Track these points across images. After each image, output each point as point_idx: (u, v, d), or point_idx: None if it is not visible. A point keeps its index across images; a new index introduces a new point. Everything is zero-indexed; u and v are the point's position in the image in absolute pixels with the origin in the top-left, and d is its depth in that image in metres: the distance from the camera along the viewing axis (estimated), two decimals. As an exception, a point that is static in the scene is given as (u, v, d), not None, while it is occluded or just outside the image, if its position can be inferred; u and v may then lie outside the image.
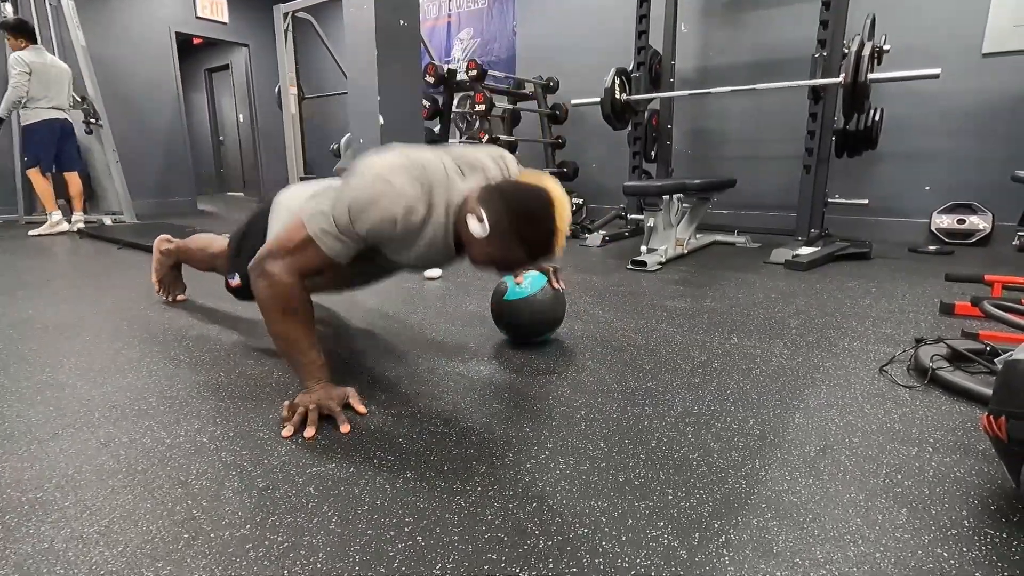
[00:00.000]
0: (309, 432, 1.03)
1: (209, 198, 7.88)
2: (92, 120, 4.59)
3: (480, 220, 1.03)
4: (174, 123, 5.98)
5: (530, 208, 1.02)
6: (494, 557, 0.71)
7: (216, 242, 1.75)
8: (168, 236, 1.98)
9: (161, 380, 1.30)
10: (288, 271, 1.08)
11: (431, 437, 1.03)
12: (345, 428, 1.05)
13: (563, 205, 1.04)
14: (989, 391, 0.98)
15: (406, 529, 0.77)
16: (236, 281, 1.52)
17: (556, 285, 1.56)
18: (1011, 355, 0.82)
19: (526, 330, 1.54)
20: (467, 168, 1.16)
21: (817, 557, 0.71)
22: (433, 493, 0.85)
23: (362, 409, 1.13)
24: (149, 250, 3.08)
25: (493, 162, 1.22)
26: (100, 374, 1.34)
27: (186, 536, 0.75)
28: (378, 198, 1.03)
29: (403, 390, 1.25)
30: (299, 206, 1.19)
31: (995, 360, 1.27)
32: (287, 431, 1.03)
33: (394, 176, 1.04)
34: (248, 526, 0.77)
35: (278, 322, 1.11)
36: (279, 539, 0.75)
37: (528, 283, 1.49)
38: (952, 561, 0.70)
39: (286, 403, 1.09)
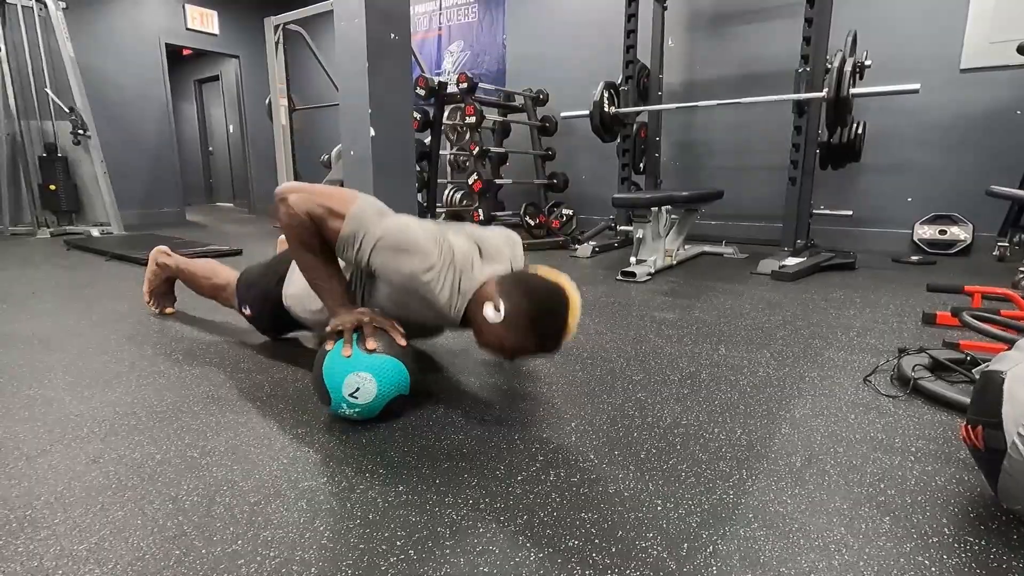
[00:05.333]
0: (347, 351, 1.08)
1: (198, 209, 7.84)
2: (80, 131, 4.57)
3: (497, 309, 1.08)
4: (163, 134, 5.96)
5: (546, 305, 1.08)
6: (485, 569, 0.72)
7: (221, 273, 1.76)
8: (167, 249, 1.96)
9: (151, 394, 1.30)
10: (307, 211, 1.12)
11: (422, 450, 1.04)
12: (402, 341, 1.13)
13: (576, 305, 1.11)
14: (968, 400, 1.01)
15: (398, 543, 0.77)
16: (248, 312, 1.60)
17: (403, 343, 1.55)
18: (988, 366, 0.85)
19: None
20: (487, 255, 1.23)
21: (803, 566, 0.72)
22: (425, 506, 0.86)
23: (401, 342, 1.14)
24: (137, 261, 3.07)
25: (509, 248, 1.30)
26: (88, 388, 1.33)
27: (177, 552, 0.75)
28: (405, 248, 1.09)
29: (393, 403, 1.25)
30: None
31: (973, 370, 1.31)
32: (346, 350, 1.09)
33: (430, 242, 1.11)
34: (240, 542, 0.77)
35: (296, 250, 1.16)
36: (271, 554, 0.75)
37: (372, 389, 1.08)
38: (933, 569, 0.72)
39: (328, 327, 1.13)
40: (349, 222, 1.10)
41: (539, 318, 1.07)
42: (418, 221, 1.17)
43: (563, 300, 1.09)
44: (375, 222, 1.11)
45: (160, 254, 1.94)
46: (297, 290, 1.43)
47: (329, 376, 1.09)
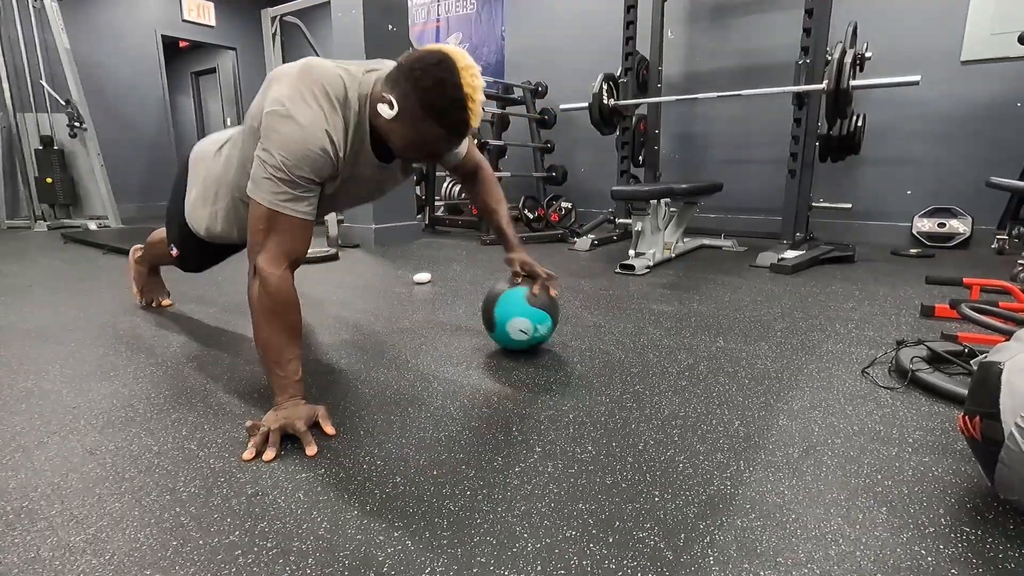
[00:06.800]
0: (268, 455, 0.96)
1: (196, 202, 7.80)
2: (76, 124, 4.55)
3: (390, 105, 1.01)
4: (160, 126, 5.94)
5: (433, 76, 0.97)
6: (483, 560, 0.72)
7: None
8: (139, 245, 2.00)
9: (148, 386, 1.30)
10: (273, 260, 1.04)
11: (420, 442, 1.04)
12: (311, 451, 0.98)
13: (469, 69, 0.98)
14: (966, 392, 1.01)
15: (395, 534, 0.77)
16: (174, 251, 1.59)
17: (553, 293, 1.55)
18: (986, 357, 0.85)
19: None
20: (372, 65, 1.14)
21: (799, 556, 0.72)
22: (422, 498, 0.86)
23: (331, 430, 1.05)
24: (135, 255, 3.06)
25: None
26: (86, 381, 1.33)
27: (175, 543, 0.75)
28: (297, 139, 1.01)
29: (392, 395, 1.25)
30: (212, 156, 1.33)
31: (971, 362, 1.30)
32: (247, 453, 0.97)
33: (296, 109, 1.02)
34: (237, 532, 0.77)
35: (263, 326, 1.05)
36: (268, 545, 0.75)
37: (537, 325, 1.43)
38: (929, 559, 0.72)
39: (248, 422, 1.02)
40: (280, 204, 1.03)
41: (430, 92, 0.97)
42: (279, 86, 1.06)
43: (450, 65, 0.96)
44: (266, 169, 1.03)
45: (135, 251, 2.00)
46: (194, 201, 1.43)
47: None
